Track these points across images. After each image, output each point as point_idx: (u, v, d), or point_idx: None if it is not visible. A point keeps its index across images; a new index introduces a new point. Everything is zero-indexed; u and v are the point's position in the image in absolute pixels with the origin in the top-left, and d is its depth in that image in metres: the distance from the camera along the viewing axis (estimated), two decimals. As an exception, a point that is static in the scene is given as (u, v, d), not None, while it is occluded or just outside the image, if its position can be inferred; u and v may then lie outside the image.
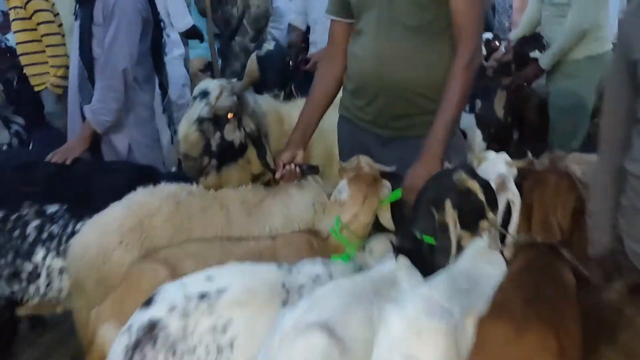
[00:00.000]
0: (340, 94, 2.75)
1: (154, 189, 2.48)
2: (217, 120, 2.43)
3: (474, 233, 2.19)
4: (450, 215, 2.12)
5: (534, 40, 4.29)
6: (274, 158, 2.61)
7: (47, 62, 4.77)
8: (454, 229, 2.12)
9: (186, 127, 2.38)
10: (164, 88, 3.44)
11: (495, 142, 4.12)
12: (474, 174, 2.20)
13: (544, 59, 4.13)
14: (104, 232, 2.31)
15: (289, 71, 3.47)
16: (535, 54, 4.24)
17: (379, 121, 2.54)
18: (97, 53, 3.07)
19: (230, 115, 2.44)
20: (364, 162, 2.47)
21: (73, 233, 2.55)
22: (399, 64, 2.41)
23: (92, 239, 2.32)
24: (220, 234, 2.41)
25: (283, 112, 2.83)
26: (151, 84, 3.31)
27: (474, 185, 2.15)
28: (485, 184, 2.19)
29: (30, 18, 4.70)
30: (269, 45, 3.42)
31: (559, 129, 4.18)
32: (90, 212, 2.53)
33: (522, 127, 4.64)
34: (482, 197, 2.16)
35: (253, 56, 2.46)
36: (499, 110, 4.15)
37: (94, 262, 2.28)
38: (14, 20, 4.78)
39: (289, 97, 3.38)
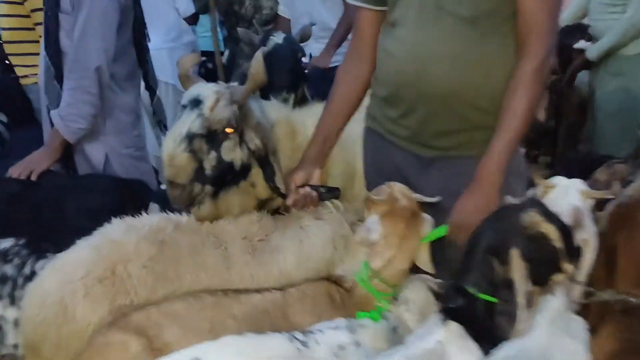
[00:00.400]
0: (366, 100, 2.21)
1: (131, 222, 1.95)
2: (212, 136, 1.89)
3: (544, 289, 1.70)
4: (518, 269, 1.63)
5: (578, 30, 3.74)
6: (285, 179, 2.09)
7: (38, 54, 4.18)
8: (523, 287, 1.62)
9: (172, 146, 1.84)
10: (151, 87, 2.89)
11: (535, 149, 3.59)
12: (549, 214, 1.68)
13: (593, 50, 3.61)
14: (65, 281, 1.80)
15: (301, 70, 2.90)
16: (580, 44, 3.70)
17: (419, 138, 2.01)
18: (66, 46, 2.52)
19: (229, 130, 1.91)
20: (398, 191, 1.94)
21: (32, 275, 2.03)
22: (446, 65, 1.88)
23: (50, 291, 1.80)
24: (216, 281, 1.89)
25: (295, 122, 2.29)
26: (134, 83, 2.78)
27: (550, 230, 1.65)
28: (563, 228, 1.68)
29: (22, 3, 4.11)
30: (277, 39, 2.86)
31: (606, 134, 3.67)
32: (55, 247, 2.05)
33: (557, 127, 4.13)
34: (559, 244, 1.65)
35: (259, 54, 1.90)
36: (540, 112, 3.61)
37: (52, 320, 1.78)
38: (1, 1, 4.18)
39: (301, 101, 2.82)
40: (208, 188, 1.93)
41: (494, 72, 1.88)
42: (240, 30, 3.14)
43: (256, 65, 1.89)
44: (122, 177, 2.73)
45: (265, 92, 2.57)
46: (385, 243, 1.87)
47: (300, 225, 2.11)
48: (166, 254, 1.86)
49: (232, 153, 1.94)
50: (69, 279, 1.78)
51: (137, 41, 2.70)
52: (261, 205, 2.15)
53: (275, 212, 2.19)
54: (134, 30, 2.67)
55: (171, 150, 1.84)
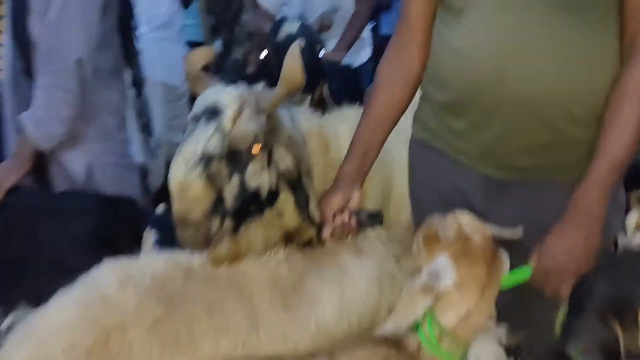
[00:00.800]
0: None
1: (128, 269, 1.50)
2: (234, 157, 1.45)
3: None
4: (651, 336, 1.22)
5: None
6: (320, 204, 1.69)
7: None
8: (656, 360, 1.22)
9: (184, 171, 1.39)
10: (138, 83, 2.42)
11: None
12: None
13: None
14: (41, 356, 1.33)
15: (320, 65, 2.43)
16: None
17: (492, 155, 1.59)
18: (38, 34, 2.04)
19: (256, 149, 1.46)
20: (468, 224, 1.53)
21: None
22: (535, 63, 1.46)
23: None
24: (240, 347, 1.46)
25: (327, 132, 1.85)
26: (119, 79, 2.31)
27: (692, 284, 1.26)
28: None
29: None
30: (290, 27, 2.37)
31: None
32: (27, 294, 1.58)
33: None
34: (697, 301, 1.27)
35: (294, 49, 1.45)
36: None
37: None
38: None
39: (319, 103, 2.36)
40: (228, 223, 1.49)
41: (595, 73, 1.48)
42: (246, 17, 2.65)
43: (291, 64, 1.44)
44: (107, 190, 2.28)
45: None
46: (460, 293, 1.45)
47: (338, 263, 1.69)
48: (176, 315, 1.42)
49: (259, 177, 1.50)
50: (46, 353, 1.33)
51: (124, 26, 2.23)
52: (288, 237, 1.71)
53: (307, 245, 1.76)
54: (119, 15, 2.19)
55: (183, 178, 1.38)
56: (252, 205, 1.53)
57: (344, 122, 1.92)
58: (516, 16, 1.46)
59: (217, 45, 3.85)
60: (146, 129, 2.53)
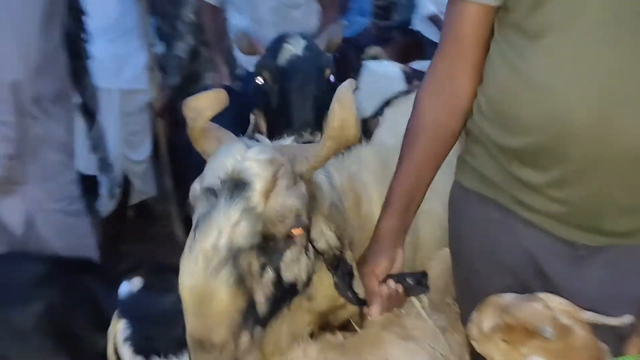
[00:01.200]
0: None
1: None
2: (268, 245, 1.04)
3: None
4: None
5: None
6: (362, 275, 1.32)
7: None
8: None
9: (203, 275, 0.97)
10: (89, 111, 1.95)
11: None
12: None
13: None
14: None
15: (331, 95, 1.98)
16: None
17: (580, 217, 1.28)
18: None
19: (297, 232, 1.06)
20: (562, 311, 1.19)
21: None
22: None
23: None
24: None
25: (357, 183, 1.46)
26: (65, 106, 1.84)
27: None
28: None
29: None
30: (294, 47, 1.91)
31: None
32: None
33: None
34: None
35: (347, 91, 1.05)
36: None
37: None
38: None
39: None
40: (258, 332, 1.08)
41: None
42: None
43: (343, 113, 1.04)
44: (52, 245, 1.84)
45: (277, 129, 1.70)
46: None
47: (383, 357, 1.32)
48: None
49: (296, 265, 1.11)
50: None
51: (72, 43, 1.75)
52: (322, 322, 1.34)
53: (341, 329, 1.39)
54: (67, 29, 1.72)
55: (203, 284, 0.96)
56: (285, 300, 1.14)
57: (366, 166, 1.53)
58: (623, 46, 1.13)
59: (162, 49, 3.40)
60: (103, 166, 2.05)
